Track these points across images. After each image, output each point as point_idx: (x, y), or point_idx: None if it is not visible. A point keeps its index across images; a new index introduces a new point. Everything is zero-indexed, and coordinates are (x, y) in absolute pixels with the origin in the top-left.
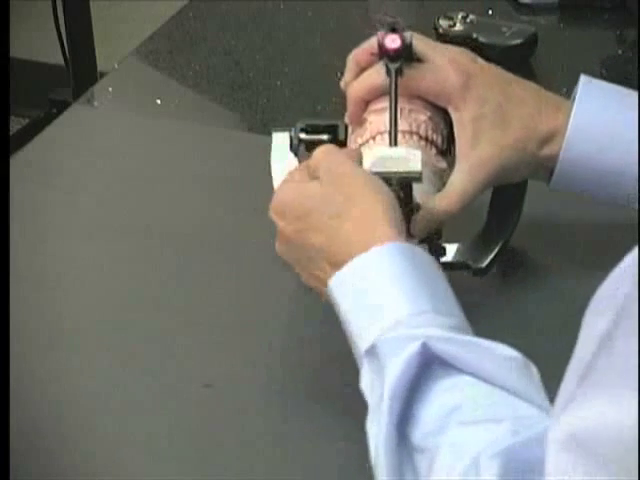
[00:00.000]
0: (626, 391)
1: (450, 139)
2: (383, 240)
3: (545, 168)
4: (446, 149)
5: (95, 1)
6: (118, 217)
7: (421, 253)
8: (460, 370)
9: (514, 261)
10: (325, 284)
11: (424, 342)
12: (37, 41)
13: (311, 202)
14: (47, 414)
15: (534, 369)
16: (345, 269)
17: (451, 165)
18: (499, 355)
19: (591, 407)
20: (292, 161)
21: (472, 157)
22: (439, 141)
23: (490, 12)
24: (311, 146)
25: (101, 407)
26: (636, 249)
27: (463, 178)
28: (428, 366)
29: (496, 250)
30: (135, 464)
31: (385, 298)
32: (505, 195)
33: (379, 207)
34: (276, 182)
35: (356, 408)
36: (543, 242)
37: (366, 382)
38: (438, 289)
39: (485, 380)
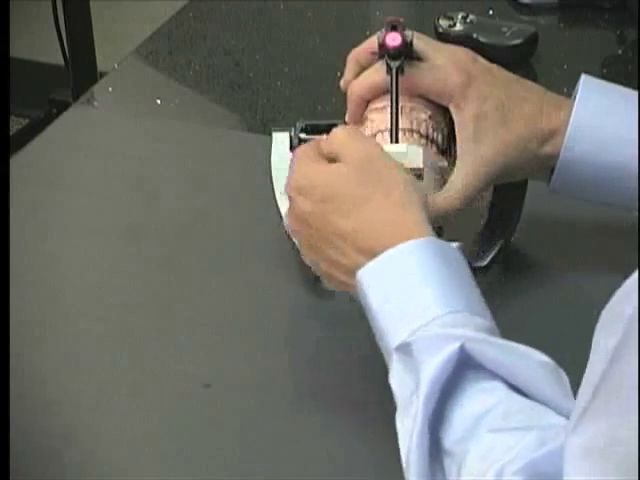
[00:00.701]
0: (634, 405)
1: (451, 138)
2: (419, 234)
3: (546, 167)
4: (446, 148)
5: (95, 1)
6: (118, 217)
7: (455, 252)
8: (493, 374)
9: (514, 260)
10: (345, 270)
11: (463, 343)
12: (37, 41)
13: (340, 185)
14: (47, 414)
15: (564, 375)
16: (378, 260)
17: (451, 165)
18: (534, 360)
19: (604, 419)
20: None
21: (473, 155)
22: (439, 140)
23: (490, 12)
24: None
25: (101, 407)
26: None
27: (464, 176)
28: (464, 368)
29: (497, 249)
30: (135, 464)
31: (419, 295)
32: (506, 194)
33: (415, 199)
34: (276, 182)
35: (356, 408)
36: (543, 242)
37: (395, 378)
38: (471, 290)
39: (518, 385)
